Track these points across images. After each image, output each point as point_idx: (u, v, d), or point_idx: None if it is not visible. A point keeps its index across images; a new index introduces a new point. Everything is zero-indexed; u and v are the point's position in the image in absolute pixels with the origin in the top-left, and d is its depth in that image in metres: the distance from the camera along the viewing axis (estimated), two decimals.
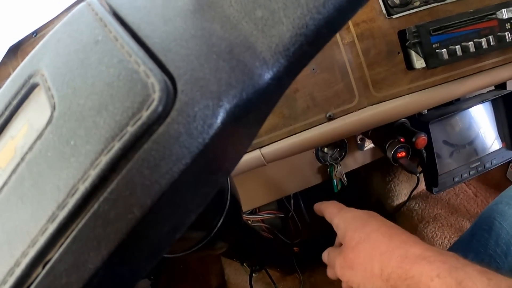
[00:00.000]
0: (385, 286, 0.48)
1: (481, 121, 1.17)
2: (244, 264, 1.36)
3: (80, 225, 0.23)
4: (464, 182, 1.45)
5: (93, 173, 0.22)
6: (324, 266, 0.66)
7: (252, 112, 0.25)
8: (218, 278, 1.52)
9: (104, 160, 0.22)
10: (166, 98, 0.22)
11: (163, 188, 0.22)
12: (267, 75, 0.24)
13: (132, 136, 0.22)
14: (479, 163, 1.18)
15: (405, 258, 0.47)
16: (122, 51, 0.24)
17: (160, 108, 0.21)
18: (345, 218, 0.61)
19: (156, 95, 0.22)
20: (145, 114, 0.22)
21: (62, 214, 0.23)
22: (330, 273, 0.64)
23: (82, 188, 0.23)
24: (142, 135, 0.22)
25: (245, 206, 1.18)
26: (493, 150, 1.20)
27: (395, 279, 0.47)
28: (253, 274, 1.34)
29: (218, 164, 0.27)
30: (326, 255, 0.65)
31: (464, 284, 0.40)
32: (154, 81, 0.22)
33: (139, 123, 0.22)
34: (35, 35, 0.91)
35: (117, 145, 0.22)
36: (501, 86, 1.17)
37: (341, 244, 0.60)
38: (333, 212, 0.65)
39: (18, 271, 0.24)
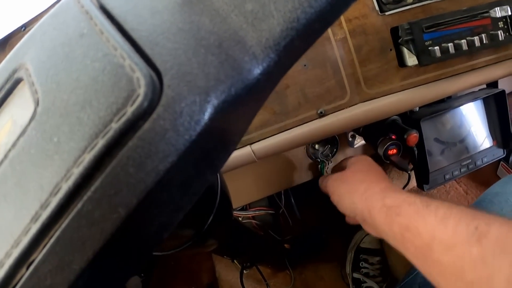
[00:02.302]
0: (360, 202, 0.64)
1: (472, 119, 1.18)
2: (235, 261, 1.36)
3: (63, 225, 0.22)
4: (455, 180, 1.46)
5: (77, 172, 0.22)
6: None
7: (241, 108, 0.25)
8: (209, 275, 1.52)
9: (88, 157, 0.22)
10: (151, 94, 0.21)
11: (148, 187, 0.21)
12: (257, 70, 0.24)
13: (116, 132, 0.21)
14: (470, 160, 1.18)
15: (389, 188, 0.64)
16: (108, 45, 0.24)
17: (146, 104, 0.21)
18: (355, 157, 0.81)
19: (142, 90, 0.21)
20: (129, 110, 0.21)
21: (45, 214, 0.23)
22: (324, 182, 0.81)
23: (65, 187, 0.22)
24: (127, 132, 0.21)
25: (236, 203, 1.18)
26: (484, 148, 1.20)
27: (373, 196, 0.62)
28: (244, 271, 1.34)
29: (206, 162, 0.26)
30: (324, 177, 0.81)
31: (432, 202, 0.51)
32: (140, 76, 0.21)
33: (123, 119, 0.21)
34: (23, 29, 0.90)
35: (101, 142, 0.21)
36: (493, 84, 1.17)
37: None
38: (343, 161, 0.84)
39: (1, 272, 0.24)
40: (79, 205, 0.22)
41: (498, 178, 1.43)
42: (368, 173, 0.72)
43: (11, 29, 0.89)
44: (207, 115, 0.22)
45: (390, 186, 0.65)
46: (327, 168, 1.06)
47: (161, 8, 0.26)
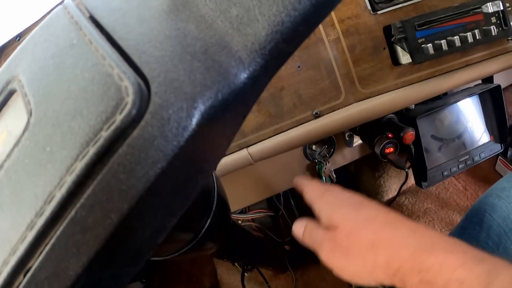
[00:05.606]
0: (390, 280, 0.44)
1: (469, 115, 1.18)
2: (236, 263, 1.36)
3: (58, 232, 0.23)
4: (453, 176, 1.46)
5: (69, 179, 0.22)
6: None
7: (228, 113, 0.25)
8: (211, 278, 1.52)
9: (79, 166, 0.22)
10: (139, 101, 0.21)
11: (140, 192, 0.22)
12: (243, 75, 0.24)
13: (106, 140, 0.21)
14: (467, 156, 1.18)
15: (418, 248, 0.43)
16: (97, 55, 0.24)
17: (134, 112, 0.21)
18: (331, 202, 0.54)
19: (130, 98, 0.21)
20: (118, 118, 0.21)
21: (40, 222, 0.23)
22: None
23: (59, 195, 0.22)
24: (117, 140, 0.22)
25: (235, 206, 1.18)
26: (482, 143, 1.20)
27: (406, 272, 0.42)
28: (245, 274, 1.34)
29: (196, 166, 0.27)
30: (303, 229, 0.56)
31: (494, 274, 0.37)
32: (128, 84, 0.22)
33: (113, 127, 0.21)
34: (18, 39, 0.90)
35: (91, 150, 0.22)
36: (488, 79, 1.18)
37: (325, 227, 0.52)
38: (315, 196, 0.56)
39: (0, 280, 0.24)
40: (73, 212, 0.22)
41: (497, 173, 1.43)
42: (372, 225, 0.48)
43: (6, 39, 0.90)
44: (194, 121, 0.22)
45: (438, 233, 0.45)
46: (325, 168, 1.06)
47: (149, 17, 0.26)
